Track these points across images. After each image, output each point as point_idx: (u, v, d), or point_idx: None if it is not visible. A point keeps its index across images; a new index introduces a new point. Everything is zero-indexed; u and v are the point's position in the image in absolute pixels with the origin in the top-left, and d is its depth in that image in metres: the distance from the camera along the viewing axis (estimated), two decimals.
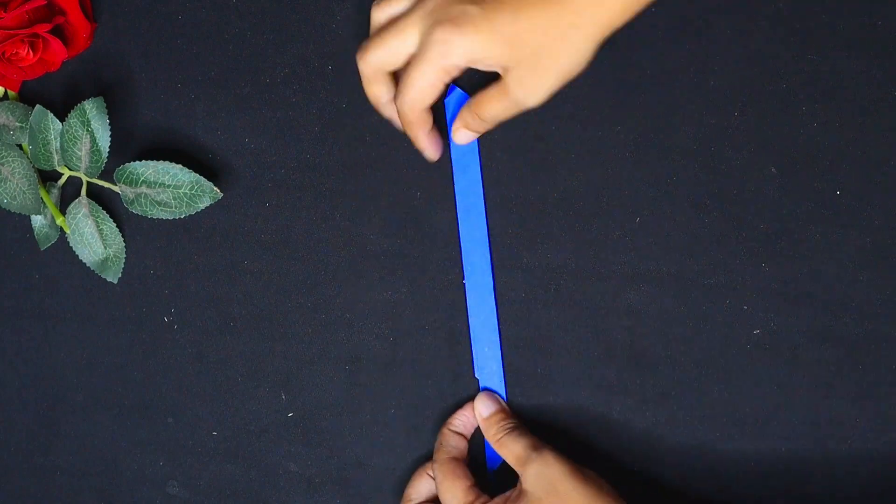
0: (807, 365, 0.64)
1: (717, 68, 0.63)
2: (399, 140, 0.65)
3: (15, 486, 0.71)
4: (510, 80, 0.57)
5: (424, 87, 0.57)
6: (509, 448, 0.63)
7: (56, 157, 0.65)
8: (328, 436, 0.68)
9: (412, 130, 0.61)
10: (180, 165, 0.64)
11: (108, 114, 0.64)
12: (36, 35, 0.63)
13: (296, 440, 0.69)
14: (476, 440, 0.66)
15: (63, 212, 0.67)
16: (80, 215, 0.66)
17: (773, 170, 0.63)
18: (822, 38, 0.63)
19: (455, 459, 0.64)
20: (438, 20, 0.56)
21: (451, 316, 0.66)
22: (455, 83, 0.64)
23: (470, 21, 0.55)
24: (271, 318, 0.68)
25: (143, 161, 0.64)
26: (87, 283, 0.69)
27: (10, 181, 0.65)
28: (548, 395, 0.66)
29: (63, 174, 0.67)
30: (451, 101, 0.64)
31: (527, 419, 0.66)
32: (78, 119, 0.64)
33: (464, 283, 0.65)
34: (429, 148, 0.62)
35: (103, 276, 0.67)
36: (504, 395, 0.66)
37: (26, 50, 0.63)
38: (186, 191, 0.64)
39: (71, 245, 0.67)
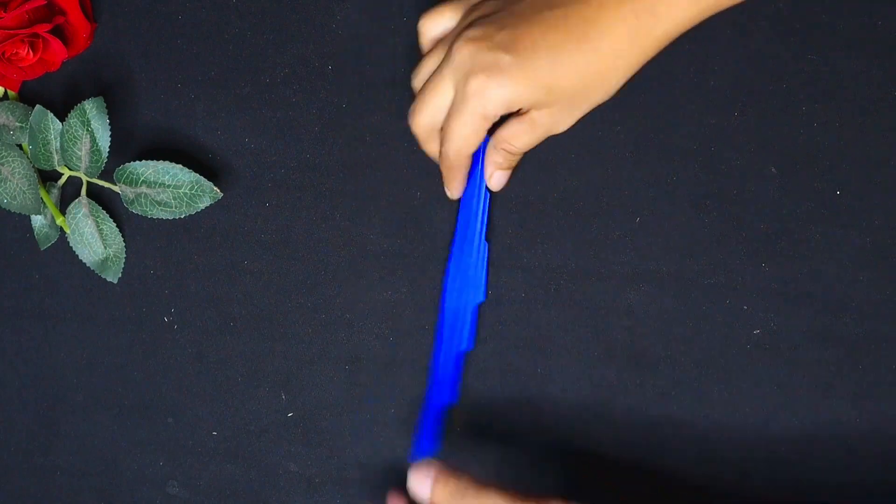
0: (807, 365, 0.64)
1: (717, 68, 0.63)
2: (399, 140, 0.65)
3: (15, 486, 0.71)
4: (539, 116, 0.58)
5: (467, 135, 0.58)
6: None
7: (56, 157, 0.65)
8: (328, 436, 0.68)
9: (453, 174, 0.62)
10: (180, 165, 0.64)
11: (108, 114, 0.64)
12: (36, 35, 0.63)
13: (296, 440, 0.69)
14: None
15: (63, 212, 0.67)
16: (80, 215, 0.66)
17: (773, 170, 0.63)
18: (822, 38, 0.63)
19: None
20: (471, 71, 0.56)
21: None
22: None
23: (504, 70, 0.56)
24: (271, 318, 0.68)
25: (143, 161, 0.64)
26: (87, 283, 0.69)
27: (10, 181, 0.65)
28: (548, 395, 0.66)
29: (63, 174, 0.67)
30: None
31: (527, 419, 0.66)
32: (78, 119, 0.64)
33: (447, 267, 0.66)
34: (458, 189, 0.63)
35: (103, 276, 0.67)
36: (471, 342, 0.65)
37: (26, 50, 0.63)
38: (186, 191, 0.64)
39: (71, 245, 0.67)
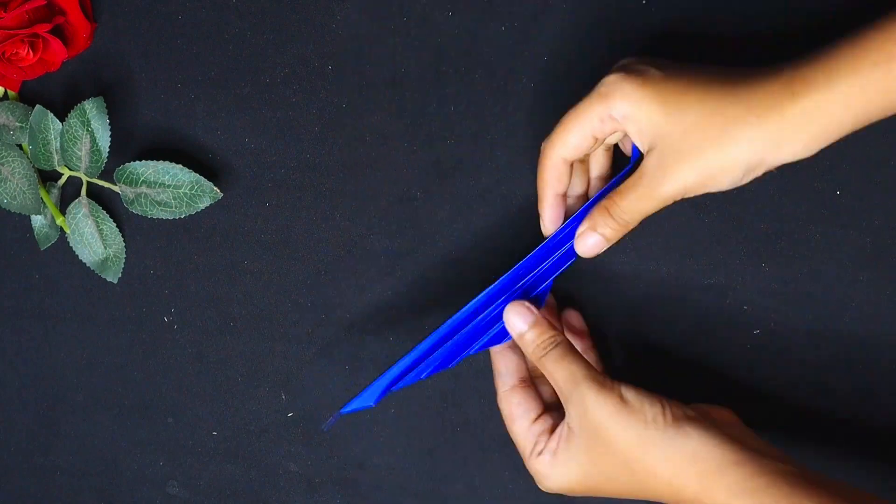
0: (807, 365, 0.64)
1: None
2: (399, 140, 0.65)
3: (15, 486, 0.72)
4: (650, 165, 0.54)
5: (571, 126, 0.56)
6: (549, 374, 0.57)
7: (56, 157, 0.65)
8: (328, 436, 0.68)
9: (541, 184, 0.58)
10: (180, 165, 0.64)
11: (108, 114, 0.64)
12: (36, 35, 0.63)
13: (296, 440, 0.69)
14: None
15: (63, 212, 0.67)
16: (80, 215, 0.66)
17: (773, 170, 0.63)
18: (822, 39, 0.63)
19: (512, 391, 0.60)
20: (616, 69, 0.55)
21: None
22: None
23: (644, 76, 0.54)
24: (271, 318, 0.68)
25: (143, 161, 0.64)
26: (87, 283, 0.69)
27: (10, 181, 0.65)
28: None
29: (63, 174, 0.67)
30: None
31: None
32: (78, 119, 0.64)
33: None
34: (547, 217, 0.59)
35: (103, 276, 0.67)
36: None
37: (26, 50, 0.63)
38: (186, 191, 0.64)
39: (71, 245, 0.67)
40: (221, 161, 0.67)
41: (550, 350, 0.58)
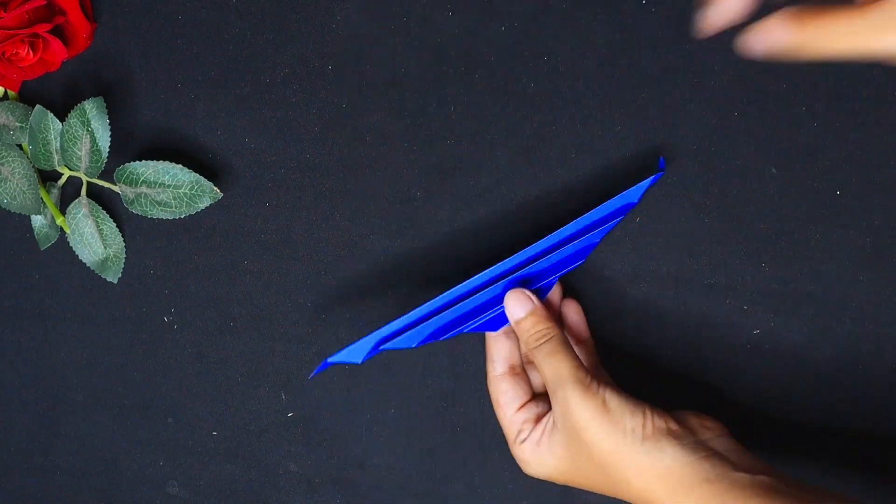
0: (807, 365, 0.64)
1: (717, 68, 0.63)
2: (399, 140, 0.65)
3: (15, 486, 0.72)
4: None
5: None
6: (538, 366, 0.59)
7: (56, 157, 0.65)
8: (328, 436, 0.68)
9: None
10: (180, 165, 0.64)
11: (108, 114, 0.64)
12: (36, 35, 0.63)
13: (296, 440, 0.69)
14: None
15: (63, 212, 0.67)
16: (80, 215, 0.66)
17: (773, 170, 0.63)
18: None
19: (501, 377, 0.62)
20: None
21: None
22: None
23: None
24: (271, 318, 0.68)
25: (143, 161, 0.64)
26: (87, 283, 0.69)
27: (10, 181, 0.65)
28: None
29: (63, 174, 0.67)
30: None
31: None
32: (78, 119, 0.64)
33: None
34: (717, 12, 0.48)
35: (103, 276, 0.67)
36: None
37: (26, 50, 0.63)
38: (186, 191, 0.64)
39: (71, 245, 0.67)
40: (221, 161, 0.67)
41: (543, 343, 0.59)
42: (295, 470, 0.69)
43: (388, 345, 0.60)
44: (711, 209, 0.64)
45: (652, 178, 0.61)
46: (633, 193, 0.61)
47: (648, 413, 0.56)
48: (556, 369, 0.57)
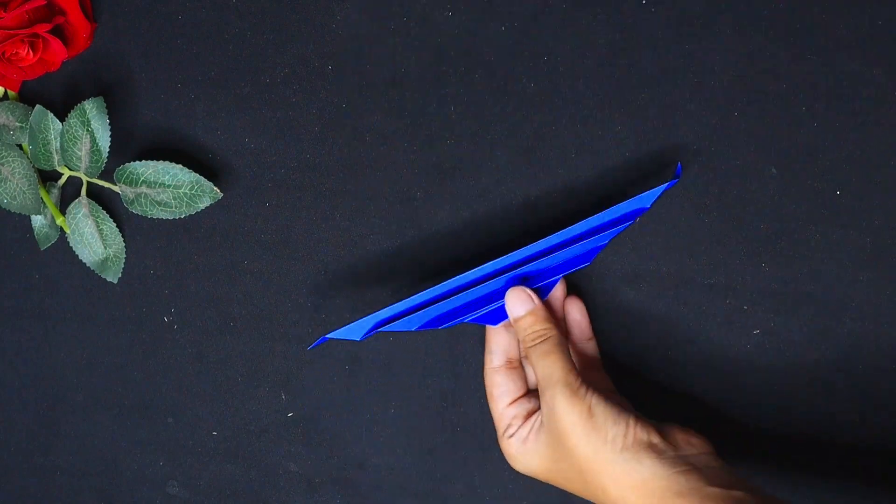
0: (807, 365, 0.64)
1: (717, 68, 0.63)
2: (399, 140, 0.65)
3: (15, 486, 0.72)
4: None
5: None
6: (532, 365, 0.59)
7: (56, 157, 0.65)
8: (328, 436, 0.68)
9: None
10: (180, 165, 0.64)
11: (108, 114, 0.64)
12: (36, 35, 0.63)
13: (296, 440, 0.69)
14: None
15: (63, 212, 0.67)
16: (80, 215, 0.66)
17: (773, 170, 0.63)
18: (822, 38, 0.63)
19: (497, 370, 0.62)
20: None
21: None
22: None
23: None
24: (271, 318, 0.68)
25: (143, 161, 0.64)
26: (87, 283, 0.69)
27: (10, 181, 0.65)
28: None
29: (63, 174, 0.67)
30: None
31: None
32: (78, 119, 0.64)
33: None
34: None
35: (103, 276, 0.67)
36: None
37: (26, 50, 0.63)
38: (186, 191, 0.64)
39: (71, 245, 0.67)
40: (221, 161, 0.67)
41: (539, 343, 0.59)
42: (295, 470, 0.69)
43: (387, 326, 0.61)
44: (711, 209, 0.64)
45: (667, 184, 0.60)
46: (647, 199, 0.61)
47: (632, 423, 0.56)
48: (548, 370, 0.58)
